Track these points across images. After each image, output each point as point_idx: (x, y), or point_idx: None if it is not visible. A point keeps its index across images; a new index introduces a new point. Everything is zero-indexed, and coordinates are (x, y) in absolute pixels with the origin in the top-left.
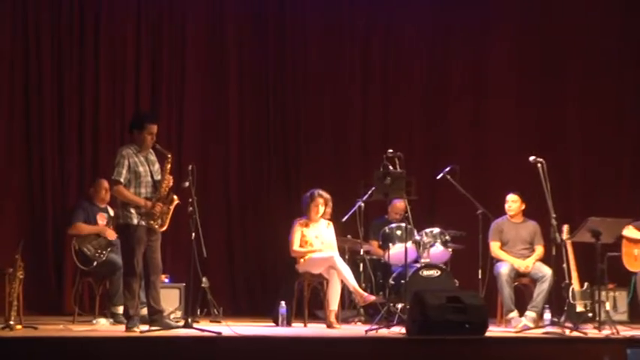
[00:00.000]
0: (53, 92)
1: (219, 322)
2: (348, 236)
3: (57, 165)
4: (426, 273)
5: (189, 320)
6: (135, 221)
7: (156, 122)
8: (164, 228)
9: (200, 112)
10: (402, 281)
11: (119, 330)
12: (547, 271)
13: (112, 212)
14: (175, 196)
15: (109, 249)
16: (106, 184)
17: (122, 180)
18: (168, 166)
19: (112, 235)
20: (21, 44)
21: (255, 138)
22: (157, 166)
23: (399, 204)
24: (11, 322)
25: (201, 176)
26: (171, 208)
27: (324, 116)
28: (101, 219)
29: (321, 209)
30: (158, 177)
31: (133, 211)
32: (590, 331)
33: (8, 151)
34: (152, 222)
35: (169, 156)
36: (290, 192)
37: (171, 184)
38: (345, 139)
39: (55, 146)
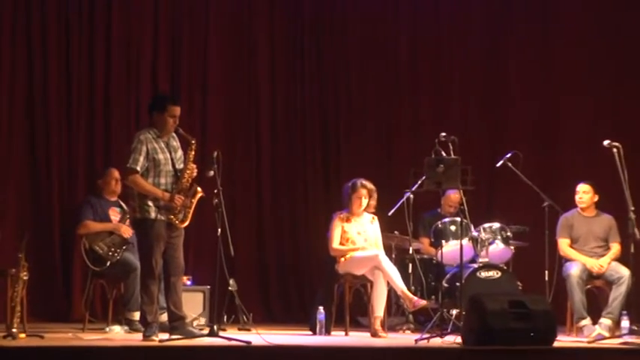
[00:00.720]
0: (60, 73)
1: (248, 329)
2: (395, 232)
3: (64, 154)
4: (484, 274)
5: (215, 328)
6: (153, 215)
7: (178, 104)
8: (185, 224)
9: (226, 94)
10: (457, 284)
11: (135, 339)
12: (624, 272)
13: (124, 206)
14: (199, 188)
15: (123, 247)
16: (116, 173)
17: (138, 168)
18: (192, 153)
19: (127, 231)
20: (23, 15)
21: (289, 122)
22: (179, 153)
23: (454, 195)
24: (14, 330)
25: (228, 164)
26: (194, 201)
27: (367, 97)
28: (114, 214)
29: (365, 202)
30: (181, 166)
31: (150, 203)
32: None
33: (8, 138)
34: (172, 216)
35: (193, 142)
36: (329, 182)
37: (194, 173)
38: (391, 122)
39: (63, 132)
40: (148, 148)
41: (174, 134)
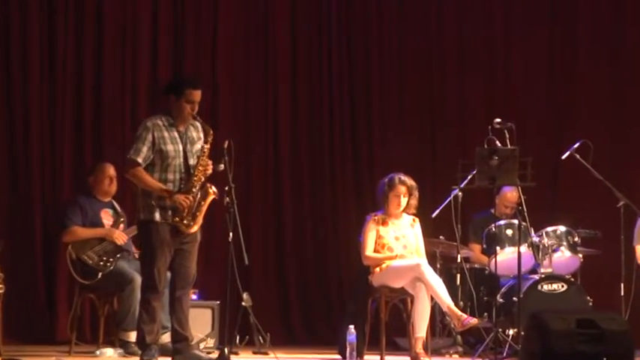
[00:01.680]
0: (42, 53)
1: (265, 353)
2: (441, 237)
3: (47, 148)
4: (547, 287)
5: (226, 351)
6: (157, 217)
7: (199, 88)
8: (193, 229)
9: (239, 76)
10: (515, 298)
11: None
12: None
13: (118, 208)
14: (214, 189)
15: (117, 256)
16: (111, 170)
17: (140, 160)
18: (208, 147)
19: (121, 237)
20: None
21: (313, 107)
22: (198, 145)
23: (511, 193)
24: None
25: (241, 157)
26: (205, 203)
27: (404, 78)
28: (106, 217)
29: (404, 201)
30: (196, 161)
31: (154, 203)
32: None
33: None
34: (177, 219)
35: (210, 134)
36: (361, 178)
37: (209, 171)
38: (435, 107)
39: (45, 123)
40: (155, 137)
41: (197, 124)
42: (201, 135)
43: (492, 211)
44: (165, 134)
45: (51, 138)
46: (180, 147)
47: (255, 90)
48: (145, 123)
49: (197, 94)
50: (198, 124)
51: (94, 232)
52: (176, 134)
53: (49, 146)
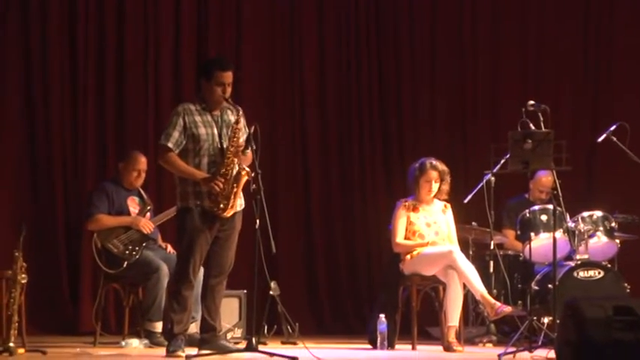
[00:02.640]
0: (62, 36)
1: (294, 343)
2: (473, 223)
3: (69, 134)
4: (583, 274)
5: (254, 341)
6: (191, 203)
7: (228, 69)
8: (229, 213)
9: (265, 60)
10: (550, 286)
11: (157, 354)
12: None
13: (145, 196)
14: (246, 169)
15: (143, 244)
16: (141, 163)
17: (171, 145)
18: (238, 126)
19: (147, 226)
20: None
21: (341, 90)
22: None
23: (545, 178)
24: (11, 345)
25: (268, 143)
26: (239, 185)
27: (435, 58)
28: (132, 205)
29: (435, 186)
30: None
31: (190, 189)
32: None
33: (2, 114)
34: (212, 204)
35: (240, 114)
36: (390, 163)
37: (240, 151)
38: (466, 89)
39: (66, 108)
40: (186, 122)
41: (232, 107)
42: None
43: (526, 196)
44: (197, 118)
45: (73, 125)
46: (215, 130)
47: (281, 74)
48: (177, 108)
49: (227, 76)
50: (239, 108)
51: (120, 221)
52: (210, 118)
53: (71, 132)
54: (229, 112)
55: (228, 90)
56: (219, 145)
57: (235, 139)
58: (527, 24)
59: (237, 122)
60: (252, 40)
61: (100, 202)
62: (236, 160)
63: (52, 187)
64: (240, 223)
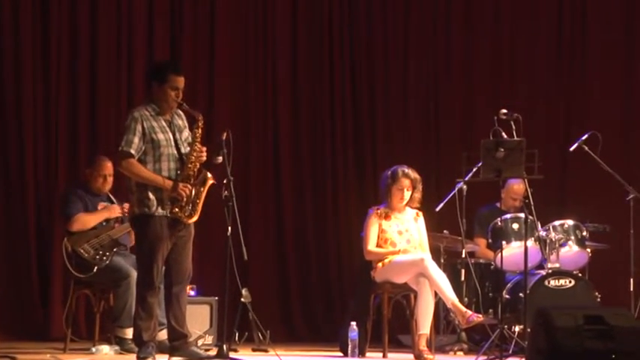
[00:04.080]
0: (35, 35)
1: (265, 350)
2: (445, 232)
3: (41, 137)
4: (554, 283)
5: (224, 348)
6: (153, 210)
7: (181, 74)
8: (194, 218)
9: (237, 63)
10: (521, 294)
11: None
12: None
13: (114, 200)
14: (209, 174)
15: (114, 250)
16: (107, 168)
17: (133, 151)
18: (199, 132)
19: (114, 211)
20: None
21: (314, 95)
22: (186, 133)
23: (517, 186)
24: None
25: (240, 148)
26: (204, 190)
27: (408, 66)
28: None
29: (407, 194)
30: (187, 148)
31: (151, 195)
32: None
33: None
34: (177, 210)
35: (200, 118)
36: (363, 170)
37: (203, 157)
38: (439, 97)
39: (39, 110)
40: (144, 127)
41: (179, 112)
42: (186, 123)
43: (498, 204)
44: (154, 123)
45: (45, 129)
46: (171, 135)
47: (253, 79)
48: (132, 114)
49: (181, 80)
50: (180, 112)
51: (98, 216)
52: (164, 123)
53: (43, 138)
54: (177, 116)
55: (180, 95)
56: (176, 151)
57: (197, 145)
58: (500, 32)
59: (198, 127)
60: (225, 42)
61: (76, 203)
62: (198, 165)
63: (23, 193)
64: (194, 229)
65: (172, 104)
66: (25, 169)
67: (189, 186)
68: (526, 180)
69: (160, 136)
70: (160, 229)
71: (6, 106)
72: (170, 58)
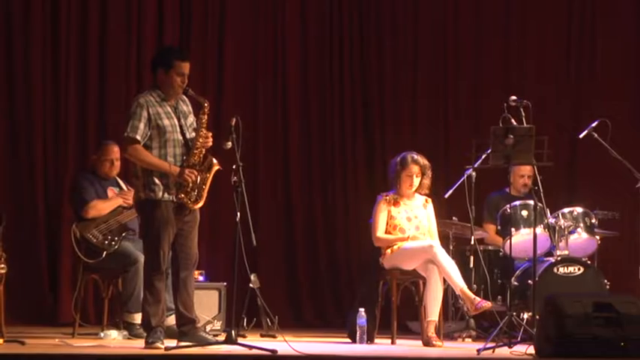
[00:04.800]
0: (45, 23)
1: (273, 336)
2: (454, 218)
3: (49, 121)
4: (563, 270)
5: (233, 333)
6: (160, 195)
7: (187, 59)
8: (200, 204)
9: (247, 50)
10: (530, 281)
11: (136, 346)
12: None
13: (123, 184)
14: (215, 160)
15: (122, 235)
16: (115, 152)
17: (139, 137)
18: (205, 118)
19: (129, 196)
20: None
21: (324, 82)
22: (191, 119)
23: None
24: None
25: (249, 134)
26: (210, 175)
27: (417, 52)
28: (112, 195)
29: (416, 181)
30: (192, 134)
31: (157, 181)
32: None
33: None
34: (183, 196)
35: (206, 104)
36: (372, 156)
37: (209, 142)
38: (448, 84)
39: (48, 97)
40: (150, 113)
41: (184, 98)
42: (191, 108)
43: (508, 190)
44: (159, 109)
45: (54, 116)
46: (176, 121)
47: (263, 65)
48: (138, 100)
49: (186, 66)
50: (185, 97)
51: (113, 203)
52: (169, 109)
53: (52, 123)
54: (181, 102)
55: (186, 80)
56: (181, 137)
57: (203, 131)
58: (510, 20)
59: (203, 113)
60: (235, 34)
61: (90, 190)
62: (204, 151)
63: (32, 179)
64: (199, 214)
65: (178, 90)
66: (35, 157)
67: (195, 172)
68: (535, 167)
69: (166, 122)
70: (166, 214)
71: (16, 93)
72: (179, 43)
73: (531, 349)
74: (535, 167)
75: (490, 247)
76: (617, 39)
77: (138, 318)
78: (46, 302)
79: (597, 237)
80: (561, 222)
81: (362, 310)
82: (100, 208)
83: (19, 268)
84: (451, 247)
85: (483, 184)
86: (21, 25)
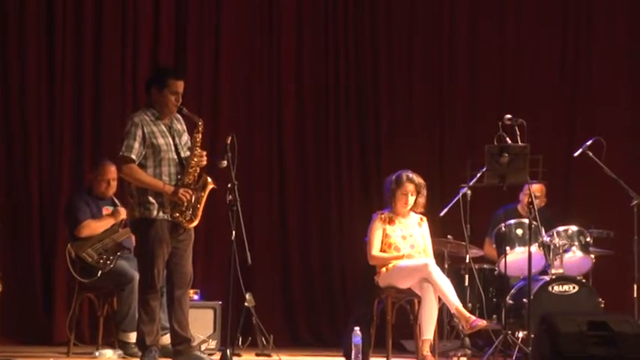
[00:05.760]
0: (40, 43)
1: (268, 355)
2: (449, 237)
3: (45, 145)
4: (557, 289)
5: (228, 352)
6: (154, 214)
7: (182, 78)
8: (194, 223)
9: (242, 67)
10: (525, 300)
11: None
12: None
13: (118, 203)
14: (209, 179)
15: (117, 254)
16: (112, 171)
17: (134, 156)
18: (199, 136)
19: (120, 214)
20: None
21: (319, 100)
22: (185, 138)
23: (534, 185)
24: None
25: (244, 153)
26: (204, 195)
27: (413, 72)
28: (106, 213)
29: (412, 199)
30: (187, 153)
31: (152, 199)
32: None
33: None
34: (178, 215)
35: (200, 123)
36: (367, 175)
37: (203, 161)
38: (444, 102)
39: (43, 117)
40: (145, 132)
41: (178, 116)
42: (185, 127)
43: (516, 206)
44: (154, 128)
45: (49, 135)
46: (171, 140)
47: (258, 83)
48: (133, 119)
49: (180, 85)
50: (179, 116)
51: (105, 223)
52: (164, 127)
53: (48, 143)
54: (175, 120)
55: (180, 99)
56: (176, 155)
57: (198, 150)
58: (505, 38)
59: (198, 132)
60: (231, 47)
61: (85, 208)
62: (199, 169)
63: (27, 197)
64: (193, 233)
65: (172, 109)
66: (30, 175)
67: (189, 191)
68: (530, 185)
69: (160, 140)
70: (160, 232)
71: (11, 112)
72: (175, 62)
73: None
74: (530, 186)
75: (485, 266)
76: (612, 59)
77: (133, 337)
78: (41, 321)
79: (592, 255)
80: (556, 240)
81: (357, 328)
82: (93, 227)
83: (14, 287)
84: (446, 266)
85: (478, 202)
86: (16, 42)
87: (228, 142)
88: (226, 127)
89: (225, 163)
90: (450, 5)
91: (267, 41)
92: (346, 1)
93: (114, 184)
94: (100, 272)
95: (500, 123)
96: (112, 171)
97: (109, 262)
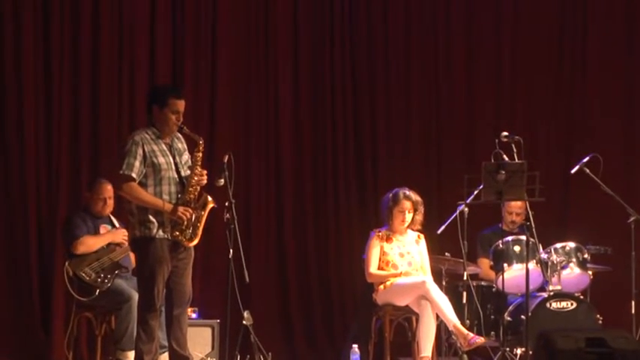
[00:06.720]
0: (37, 58)
1: None
2: (447, 254)
3: (43, 163)
4: (555, 305)
5: None
6: (154, 232)
7: (182, 97)
8: (195, 242)
9: (239, 84)
10: (522, 317)
11: None
12: None
13: (116, 222)
14: (210, 198)
15: (115, 272)
16: (108, 190)
17: (134, 175)
18: (200, 155)
19: (119, 235)
20: None
21: (316, 118)
22: (186, 157)
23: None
24: None
25: (242, 172)
26: (205, 213)
27: (410, 88)
28: (104, 231)
29: (409, 217)
30: (188, 172)
31: (152, 218)
32: None
33: None
34: (178, 233)
35: (201, 142)
36: (365, 194)
37: (204, 180)
38: (441, 120)
39: (40, 134)
40: (145, 151)
41: (179, 135)
42: (185, 146)
43: (501, 225)
44: (155, 147)
45: (46, 153)
46: (171, 159)
47: (256, 101)
48: (133, 137)
49: (181, 104)
50: (179, 135)
51: (104, 239)
52: (164, 146)
53: (45, 161)
54: (176, 139)
55: (181, 118)
56: (176, 174)
57: (198, 169)
58: (501, 54)
59: (198, 151)
60: (227, 63)
61: (81, 225)
62: (199, 188)
63: (24, 214)
64: (193, 251)
65: (173, 128)
66: (27, 194)
67: (189, 209)
68: (527, 202)
69: (161, 159)
70: (160, 251)
71: (8, 129)
72: (172, 81)
73: None
74: (527, 204)
75: (483, 283)
76: (608, 71)
77: (131, 356)
78: (39, 341)
79: (590, 272)
80: (554, 257)
81: (355, 346)
82: (89, 244)
83: (12, 306)
84: (444, 283)
85: (476, 219)
86: (13, 60)
87: (226, 160)
88: (223, 144)
89: (222, 181)
90: (444, 25)
91: (264, 55)
92: (343, 34)
93: (110, 202)
94: (97, 291)
95: (497, 140)
96: (109, 189)
97: (106, 280)
